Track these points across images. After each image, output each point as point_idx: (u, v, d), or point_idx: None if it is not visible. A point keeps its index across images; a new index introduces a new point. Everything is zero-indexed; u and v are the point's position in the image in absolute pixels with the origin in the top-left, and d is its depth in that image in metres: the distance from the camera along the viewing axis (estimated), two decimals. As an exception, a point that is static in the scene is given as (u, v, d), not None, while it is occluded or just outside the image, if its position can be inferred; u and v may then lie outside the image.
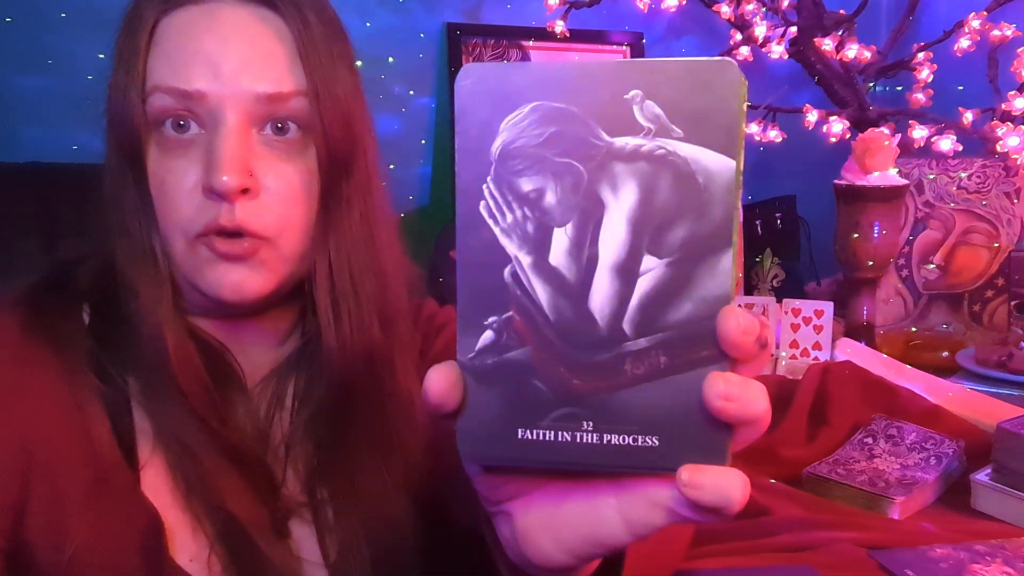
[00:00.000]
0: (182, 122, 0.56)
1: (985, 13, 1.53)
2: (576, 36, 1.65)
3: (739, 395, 0.32)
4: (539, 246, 0.34)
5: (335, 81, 0.58)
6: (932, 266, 1.48)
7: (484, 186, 0.34)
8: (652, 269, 0.33)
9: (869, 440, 1.03)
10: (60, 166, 1.13)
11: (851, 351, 1.28)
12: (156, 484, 0.58)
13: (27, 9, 1.36)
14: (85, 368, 0.58)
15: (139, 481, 0.58)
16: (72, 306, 0.61)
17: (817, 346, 1.31)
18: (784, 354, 1.32)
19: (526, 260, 0.34)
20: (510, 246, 0.34)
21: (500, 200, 0.34)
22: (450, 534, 0.59)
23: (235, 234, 0.56)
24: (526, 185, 0.34)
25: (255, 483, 0.60)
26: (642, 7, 1.66)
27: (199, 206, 0.55)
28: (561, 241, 0.34)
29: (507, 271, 0.34)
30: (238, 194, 0.55)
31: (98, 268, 0.62)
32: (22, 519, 0.55)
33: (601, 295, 0.34)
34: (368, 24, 1.59)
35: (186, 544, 0.58)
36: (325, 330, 0.60)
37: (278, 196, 0.57)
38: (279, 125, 0.57)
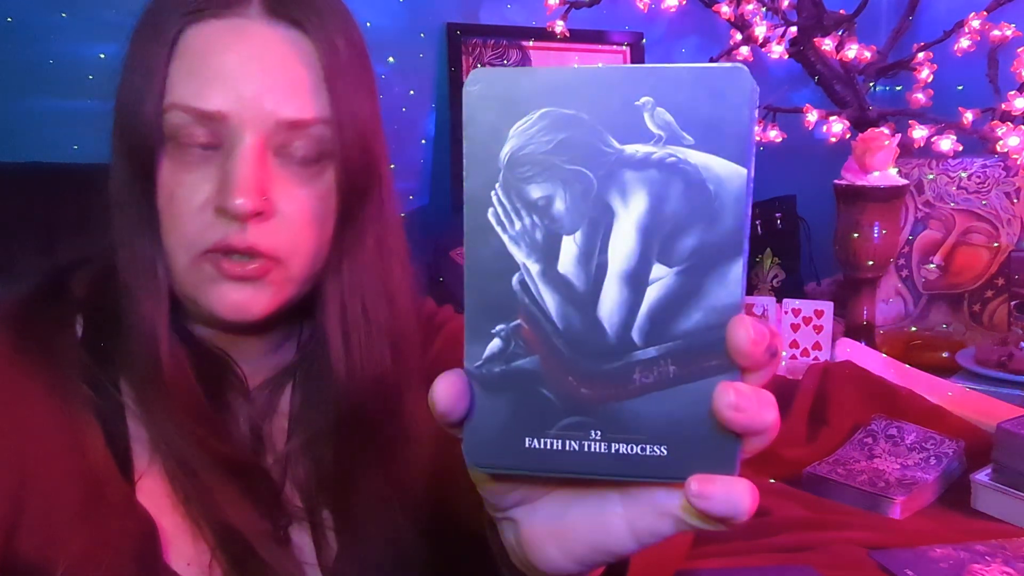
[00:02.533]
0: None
1: (985, 13, 1.53)
2: (576, 36, 1.65)
3: (749, 405, 0.32)
4: (548, 254, 0.34)
5: (358, 110, 0.57)
6: (932, 266, 1.48)
7: (492, 193, 0.34)
8: (662, 278, 0.33)
9: (869, 440, 1.04)
10: (60, 166, 1.12)
11: (851, 351, 1.28)
12: (155, 492, 0.58)
13: (27, 9, 1.35)
14: (77, 380, 0.58)
15: (135, 491, 0.57)
16: (65, 317, 0.61)
17: (817, 346, 1.31)
18: (784, 354, 1.32)
19: (535, 268, 0.34)
20: (518, 254, 0.34)
21: (509, 207, 0.34)
22: (451, 548, 0.59)
23: (245, 254, 0.55)
24: (535, 192, 0.34)
25: (254, 492, 0.59)
26: (642, 7, 1.66)
27: (208, 224, 0.54)
28: (570, 249, 0.34)
29: (515, 279, 0.34)
30: (251, 216, 0.54)
31: (93, 275, 0.61)
32: (15, 534, 0.54)
33: (610, 303, 0.34)
34: (368, 24, 1.57)
35: (185, 550, 0.58)
36: (334, 355, 0.60)
37: (291, 220, 0.56)
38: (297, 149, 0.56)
